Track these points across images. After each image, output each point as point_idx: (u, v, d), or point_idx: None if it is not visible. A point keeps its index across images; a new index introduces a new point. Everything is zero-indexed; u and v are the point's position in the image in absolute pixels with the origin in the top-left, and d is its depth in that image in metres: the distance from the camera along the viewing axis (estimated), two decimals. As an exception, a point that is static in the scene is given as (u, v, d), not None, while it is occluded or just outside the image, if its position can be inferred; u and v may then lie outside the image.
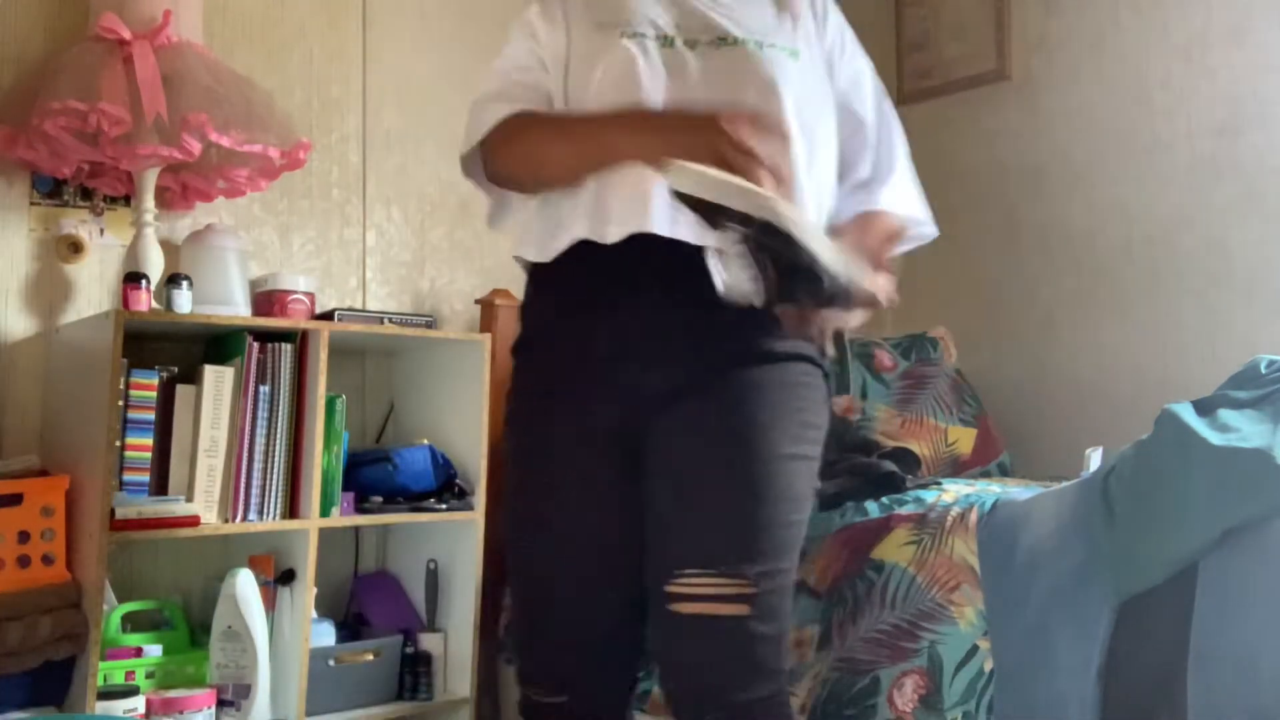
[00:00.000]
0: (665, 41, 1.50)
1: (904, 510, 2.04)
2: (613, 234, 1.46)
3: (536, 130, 1.52)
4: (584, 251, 1.48)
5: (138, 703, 2.04)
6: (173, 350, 2.33)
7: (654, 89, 1.47)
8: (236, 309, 2.32)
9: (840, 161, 1.61)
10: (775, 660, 1.47)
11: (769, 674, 1.46)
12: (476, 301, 2.78)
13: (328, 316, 2.37)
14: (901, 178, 1.65)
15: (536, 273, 1.59)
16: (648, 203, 1.43)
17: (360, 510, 2.37)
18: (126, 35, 2.17)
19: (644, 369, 1.48)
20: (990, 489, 2.11)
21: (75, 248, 2.33)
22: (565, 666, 1.57)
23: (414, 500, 2.44)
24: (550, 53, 1.56)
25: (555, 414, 1.55)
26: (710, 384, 1.46)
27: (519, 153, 1.53)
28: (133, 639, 2.19)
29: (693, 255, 1.42)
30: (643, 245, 1.44)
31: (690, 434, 1.46)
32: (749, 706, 1.44)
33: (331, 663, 2.31)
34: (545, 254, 1.53)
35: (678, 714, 1.51)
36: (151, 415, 2.16)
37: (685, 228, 1.41)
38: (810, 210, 1.49)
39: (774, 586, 1.45)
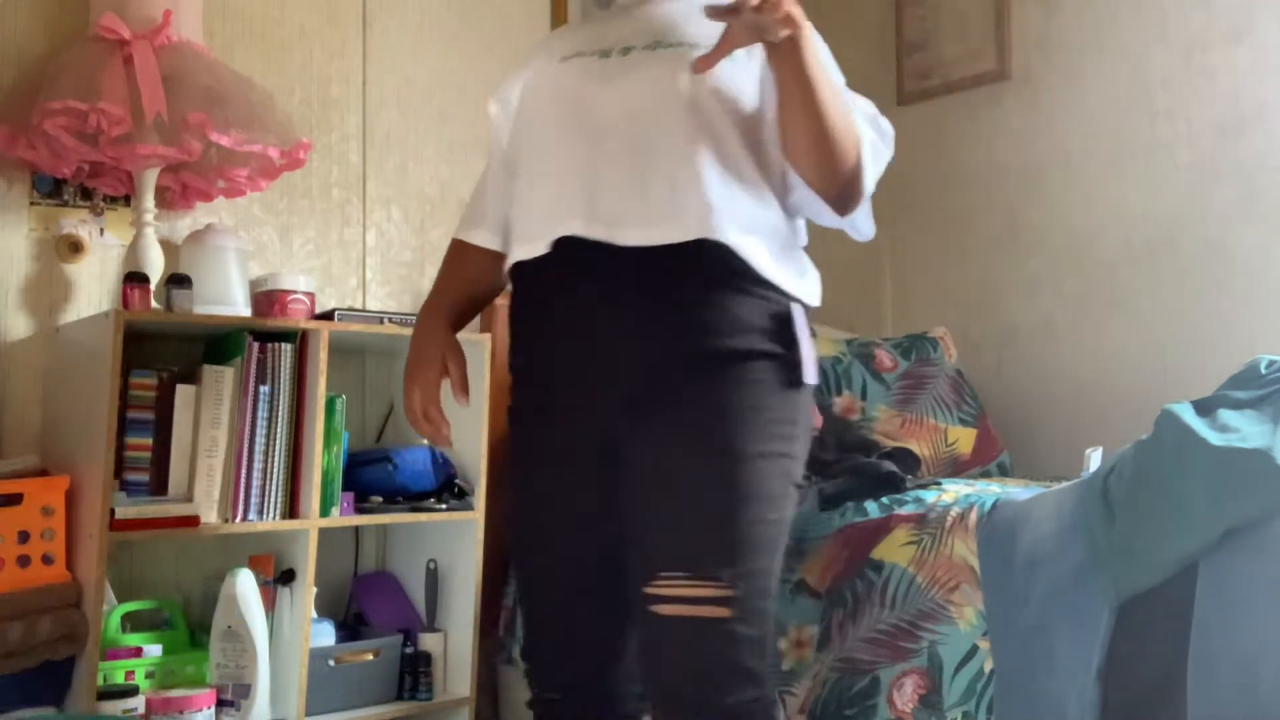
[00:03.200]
0: (602, 55, 1.59)
1: (904, 510, 2.04)
2: (543, 244, 1.54)
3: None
4: (536, 260, 1.55)
5: (137, 703, 2.05)
6: (173, 350, 2.33)
7: (583, 97, 1.57)
8: (236, 309, 2.32)
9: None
10: (758, 662, 1.46)
11: (752, 677, 1.46)
12: (476, 301, 2.78)
13: (328, 316, 2.36)
14: None
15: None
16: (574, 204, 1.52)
17: (360, 510, 2.38)
18: (126, 35, 2.17)
19: (609, 379, 1.51)
20: (990, 489, 2.10)
21: (75, 248, 2.33)
22: (572, 669, 1.62)
23: (414, 500, 2.44)
24: (506, 118, 1.72)
25: (546, 423, 1.62)
26: (676, 390, 1.48)
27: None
28: (132, 639, 2.19)
29: (641, 256, 1.47)
30: (582, 248, 1.50)
31: (661, 441, 1.49)
32: (733, 710, 1.44)
33: (331, 663, 2.31)
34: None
35: (658, 718, 1.51)
36: (151, 415, 2.16)
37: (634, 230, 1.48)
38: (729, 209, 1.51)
39: (754, 588, 1.46)
